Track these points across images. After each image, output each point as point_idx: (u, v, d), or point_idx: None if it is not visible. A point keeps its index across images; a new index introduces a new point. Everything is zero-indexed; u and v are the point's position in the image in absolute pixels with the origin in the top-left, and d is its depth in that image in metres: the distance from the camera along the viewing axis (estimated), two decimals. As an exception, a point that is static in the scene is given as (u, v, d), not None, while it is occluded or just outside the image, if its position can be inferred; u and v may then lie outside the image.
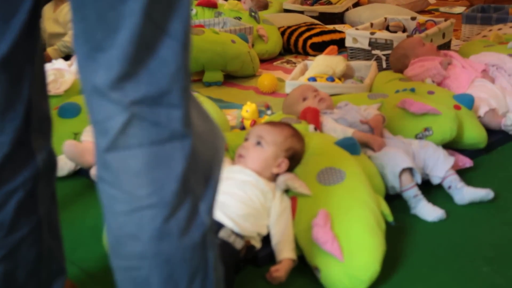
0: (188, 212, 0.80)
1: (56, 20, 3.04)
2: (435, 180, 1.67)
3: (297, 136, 1.53)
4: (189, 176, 0.79)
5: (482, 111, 2.01)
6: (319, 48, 3.20)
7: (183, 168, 0.78)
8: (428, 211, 1.55)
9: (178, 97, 0.76)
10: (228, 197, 1.36)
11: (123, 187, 0.78)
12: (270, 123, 1.58)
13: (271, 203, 1.41)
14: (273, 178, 1.47)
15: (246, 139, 1.52)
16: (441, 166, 1.66)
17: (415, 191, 1.58)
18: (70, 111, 1.90)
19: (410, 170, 1.60)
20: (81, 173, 1.82)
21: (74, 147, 1.71)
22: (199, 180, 0.82)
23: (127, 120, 0.75)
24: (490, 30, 3.04)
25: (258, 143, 1.48)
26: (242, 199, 1.37)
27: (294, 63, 3.20)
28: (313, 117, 1.80)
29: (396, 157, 1.62)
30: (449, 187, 1.65)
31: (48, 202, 1.00)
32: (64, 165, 1.78)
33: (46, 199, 0.99)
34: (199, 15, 3.49)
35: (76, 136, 1.85)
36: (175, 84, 0.76)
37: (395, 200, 1.60)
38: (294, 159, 1.50)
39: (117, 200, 0.79)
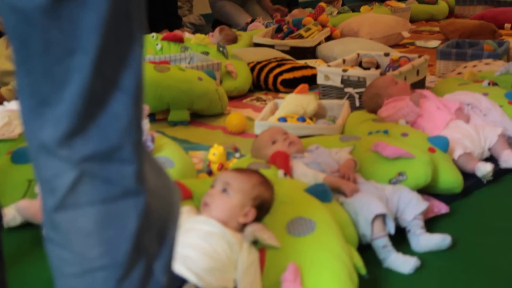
0: (142, 273, 0.79)
1: (10, 57, 3.02)
2: (403, 224, 1.68)
3: (266, 184, 1.53)
4: (142, 234, 0.79)
5: (456, 154, 2.04)
6: (290, 84, 3.23)
7: (137, 226, 0.78)
8: (401, 263, 1.55)
9: (130, 152, 0.76)
10: (191, 249, 1.35)
11: (73, 248, 0.77)
12: (238, 170, 1.59)
13: (238, 256, 1.40)
14: (240, 228, 1.46)
15: (212, 186, 1.52)
16: (411, 210, 1.67)
17: (385, 241, 1.58)
18: (24, 156, 1.87)
19: (383, 217, 1.61)
20: (35, 222, 1.79)
21: (27, 209, 1.69)
22: (154, 238, 0.82)
23: (76, 177, 0.74)
24: (465, 67, 3.12)
25: (224, 191, 1.48)
26: (207, 252, 1.36)
27: (265, 100, 3.22)
28: (282, 161, 1.81)
29: (369, 202, 1.63)
30: (409, 231, 1.67)
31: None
32: (17, 215, 1.75)
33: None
34: (165, 50, 3.51)
35: (30, 183, 1.83)
36: (126, 139, 0.76)
37: (368, 250, 1.60)
38: (262, 209, 1.50)
39: (67, 262, 0.78)
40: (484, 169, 2.01)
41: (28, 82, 0.72)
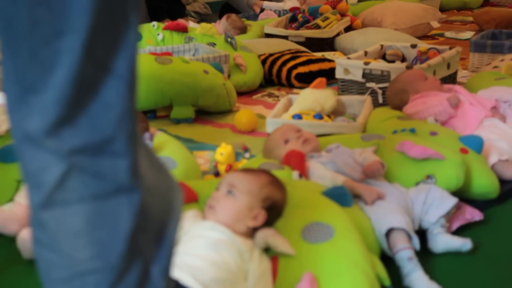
0: (138, 277, 0.81)
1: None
2: (425, 225, 1.68)
3: (276, 183, 1.54)
4: (138, 235, 0.80)
5: (490, 161, 2.04)
6: (306, 79, 3.25)
7: (131, 225, 0.79)
8: (423, 285, 1.49)
9: (123, 144, 0.77)
10: (199, 259, 1.36)
11: (61, 249, 0.78)
12: (244, 170, 1.60)
13: (249, 265, 1.41)
14: (250, 233, 1.48)
15: (217, 189, 1.53)
16: (435, 210, 1.68)
17: (409, 253, 1.54)
18: (12, 154, 1.88)
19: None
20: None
21: None
22: (151, 239, 0.83)
23: (64, 171, 0.75)
24: (502, 60, 3.12)
25: (230, 192, 1.49)
26: (216, 262, 1.37)
27: (277, 96, 3.23)
28: (298, 162, 1.81)
29: (386, 213, 1.62)
30: (427, 229, 1.68)
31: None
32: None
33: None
34: (167, 40, 3.53)
35: (19, 183, 1.84)
36: (120, 130, 0.77)
37: (392, 260, 1.60)
38: (273, 211, 1.51)
39: (55, 265, 0.79)
40: None
41: (13, 66, 0.73)
